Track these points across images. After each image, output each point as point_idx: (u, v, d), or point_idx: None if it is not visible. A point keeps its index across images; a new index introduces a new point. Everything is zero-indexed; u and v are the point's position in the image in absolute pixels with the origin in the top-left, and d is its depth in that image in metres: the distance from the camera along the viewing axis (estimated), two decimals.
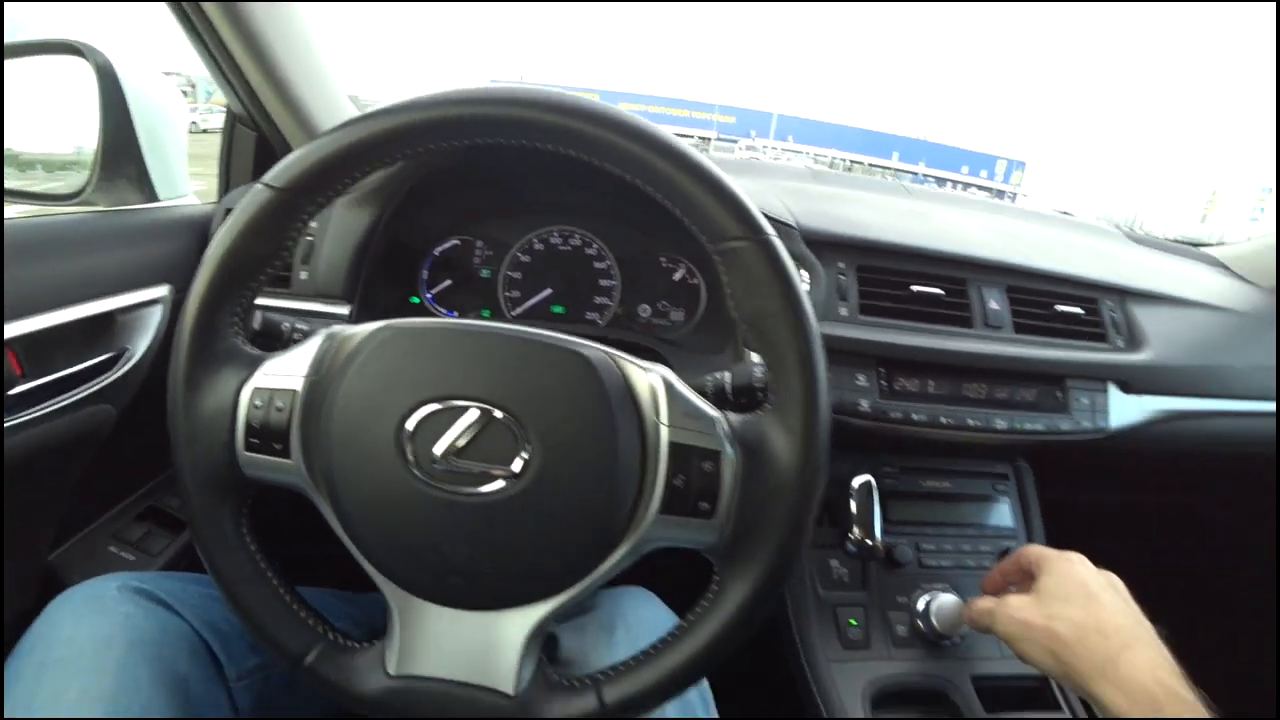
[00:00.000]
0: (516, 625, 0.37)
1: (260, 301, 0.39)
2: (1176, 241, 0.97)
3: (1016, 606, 0.48)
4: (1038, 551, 0.51)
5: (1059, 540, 0.61)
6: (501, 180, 0.68)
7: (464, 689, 0.37)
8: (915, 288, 0.62)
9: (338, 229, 0.63)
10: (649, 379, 0.36)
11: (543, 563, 0.35)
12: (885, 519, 0.63)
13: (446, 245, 0.70)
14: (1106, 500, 0.85)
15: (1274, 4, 0.67)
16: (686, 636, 0.36)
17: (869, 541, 0.56)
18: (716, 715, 0.47)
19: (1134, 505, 0.88)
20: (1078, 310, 0.66)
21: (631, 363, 0.36)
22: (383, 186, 0.63)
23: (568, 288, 0.69)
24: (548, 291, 0.69)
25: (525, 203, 0.69)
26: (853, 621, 0.59)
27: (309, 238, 0.64)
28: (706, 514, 0.35)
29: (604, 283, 0.69)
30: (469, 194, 0.69)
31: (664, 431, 0.35)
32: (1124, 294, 0.69)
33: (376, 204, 0.63)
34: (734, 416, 0.37)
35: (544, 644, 0.41)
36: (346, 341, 0.36)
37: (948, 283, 0.63)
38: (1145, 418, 0.66)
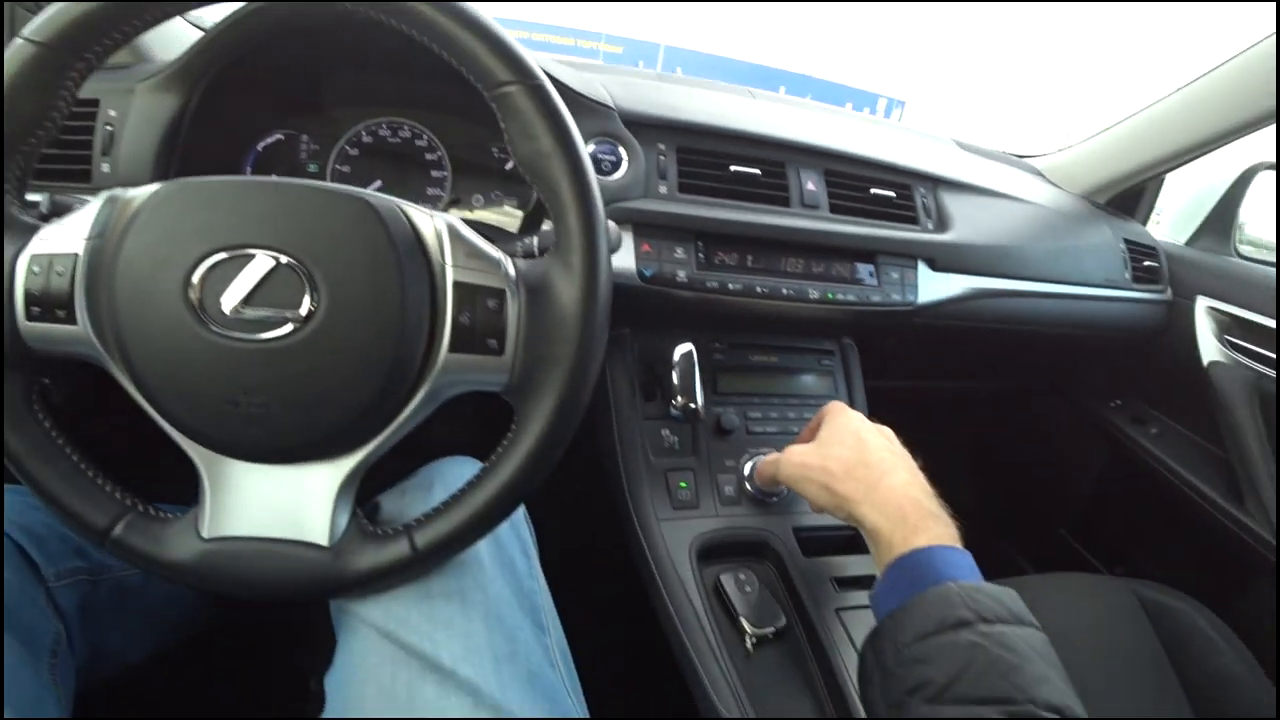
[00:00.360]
0: (326, 478, 0.38)
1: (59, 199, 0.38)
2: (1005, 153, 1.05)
3: (797, 453, 0.54)
4: (826, 408, 0.56)
5: (892, 422, 0.66)
6: (322, 69, 0.66)
7: (278, 544, 0.37)
8: (734, 168, 0.64)
9: (139, 116, 0.60)
10: (434, 223, 0.37)
11: (340, 408, 0.35)
12: (715, 391, 0.66)
13: (270, 140, 0.68)
14: (929, 387, 0.93)
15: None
16: (489, 477, 0.38)
17: (692, 405, 0.59)
18: (539, 568, 0.49)
19: (954, 392, 0.97)
20: (891, 194, 0.71)
21: (416, 209, 0.37)
22: (188, 68, 0.60)
23: (398, 180, 0.68)
24: (378, 184, 0.68)
25: (349, 93, 0.67)
26: (682, 484, 0.62)
27: (108, 127, 0.60)
28: (495, 351, 0.37)
29: (436, 174, 0.68)
30: (288, 83, 0.66)
31: (449, 272, 0.36)
32: (937, 182, 0.75)
33: (182, 88, 0.60)
34: (521, 261, 0.38)
35: (367, 511, 0.42)
36: (129, 203, 0.34)
37: (766, 164, 0.66)
38: (950, 294, 0.72)
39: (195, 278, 0.33)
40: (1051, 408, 1.16)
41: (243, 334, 0.33)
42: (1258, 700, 0.68)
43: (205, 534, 0.37)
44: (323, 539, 0.37)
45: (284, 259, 0.33)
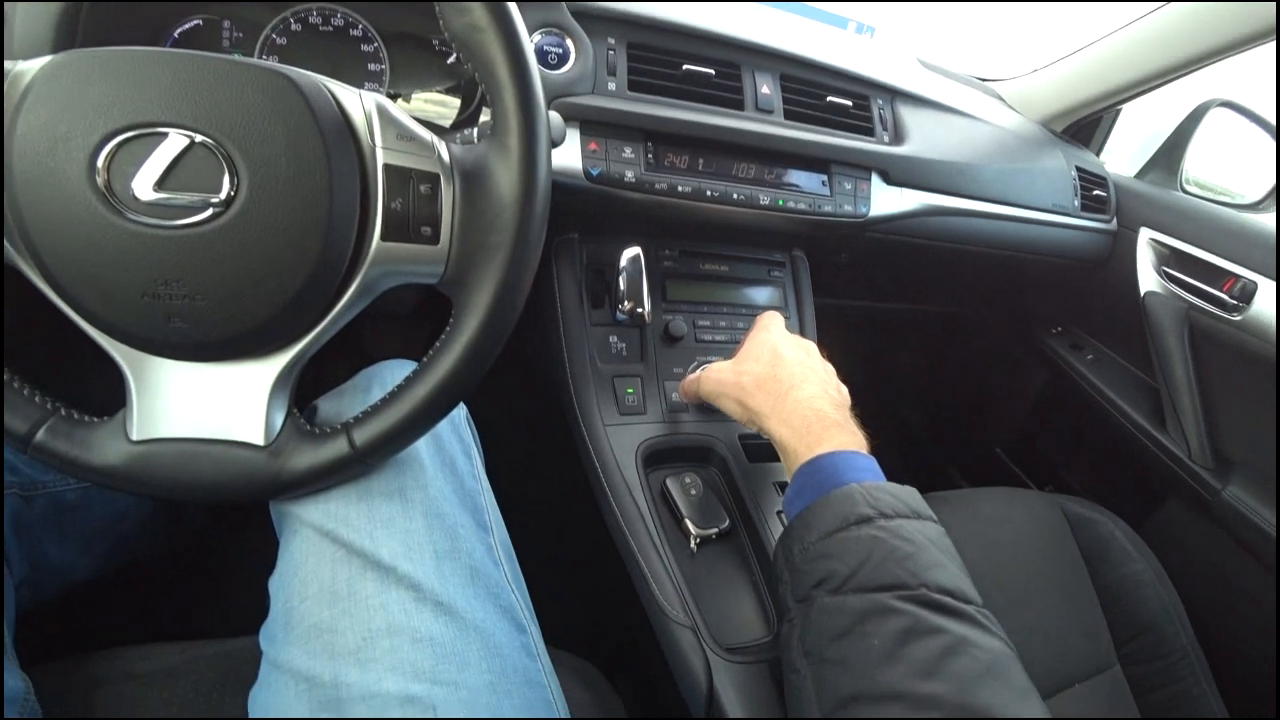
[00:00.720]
0: (259, 376, 0.36)
1: None
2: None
3: (716, 369, 0.56)
4: (757, 319, 0.57)
5: (835, 340, 0.67)
6: None
7: (212, 445, 0.36)
8: (686, 67, 0.62)
9: None
10: (363, 103, 0.34)
11: (268, 299, 0.33)
12: (664, 299, 0.66)
13: (187, 25, 0.62)
14: (878, 308, 0.94)
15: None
16: (427, 373, 0.37)
17: (639, 310, 0.59)
18: (482, 469, 0.49)
19: (903, 314, 0.99)
20: (847, 103, 0.69)
21: (343, 87, 0.34)
22: None
23: (331, 71, 0.63)
24: None
25: None
26: (629, 390, 0.63)
27: None
28: (430, 240, 0.35)
29: (372, 66, 0.64)
30: None
31: (379, 154, 0.34)
32: (894, 94, 0.74)
33: None
34: (456, 146, 0.36)
35: (305, 414, 0.41)
36: (20, 75, 0.31)
37: (720, 65, 0.64)
38: (902, 209, 0.72)
39: (100, 159, 0.30)
40: (995, 332, 1.20)
41: (158, 220, 0.30)
42: (1160, 602, 0.74)
43: (134, 436, 0.35)
44: (258, 439, 0.36)
45: (199, 138, 0.30)
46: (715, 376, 0.55)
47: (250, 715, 0.38)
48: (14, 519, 0.46)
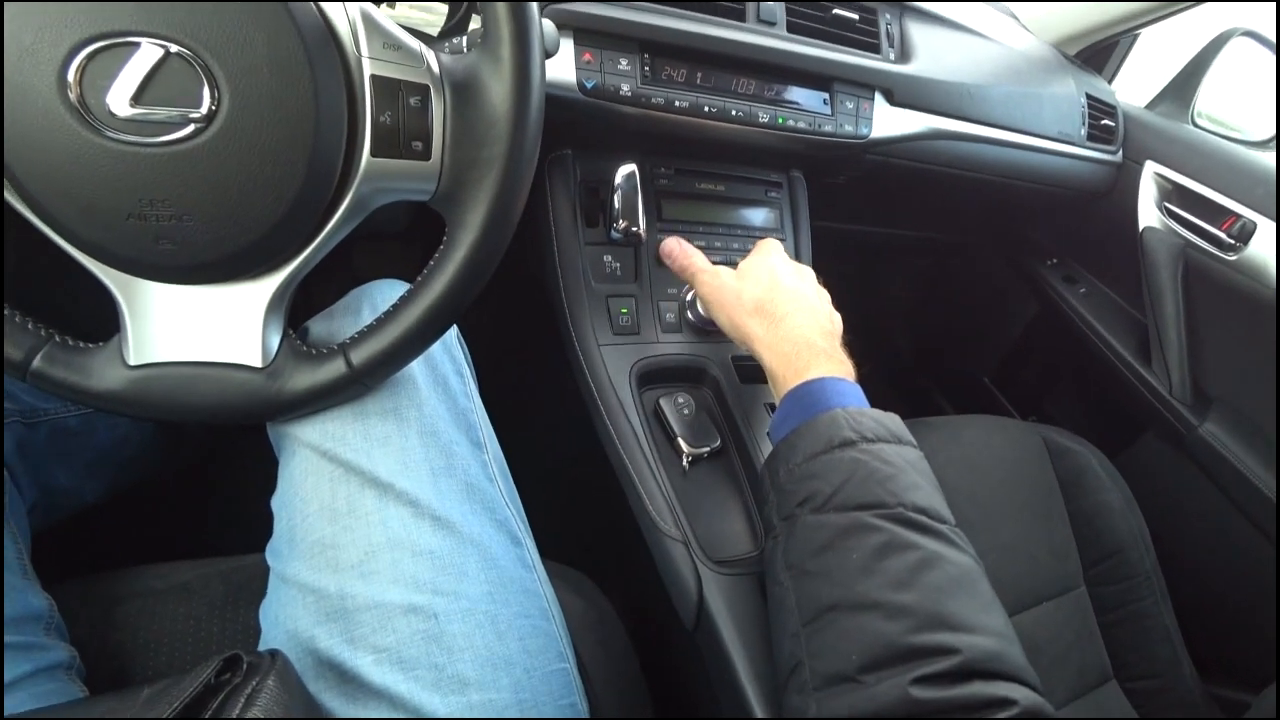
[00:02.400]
0: (254, 296, 0.35)
1: None
2: None
3: (715, 274, 0.56)
4: (758, 243, 0.57)
5: (829, 264, 0.67)
6: None
7: (210, 368, 0.36)
8: None
9: None
10: (346, 10, 0.32)
11: (258, 217, 0.32)
12: (660, 218, 0.65)
13: None
14: (874, 232, 0.93)
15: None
16: (423, 291, 0.36)
17: (634, 229, 0.58)
18: (475, 389, 0.49)
19: (899, 240, 0.99)
20: (854, 16, 0.66)
21: None
22: None
23: None
24: None
25: None
26: (623, 310, 0.63)
27: None
28: (421, 155, 0.34)
29: None
30: None
31: (366, 64, 0.33)
32: (903, 8, 0.71)
33: None
34: (445, 56, 0.34)
35: (298, 334, 0.40)
36: None
37: None
38: (904, 131, 0.70)
39: (70, 73, 0.28)
40: (989, 262, 1.20)
41: (138, 137, 0.29)
42: (1128, 527, 0.77)
43: (131, 361, 0.35)
44: (255, 360, 0.36)
45: (174, 48, 0.29)
46: (713, 283, 0.55)
47: (262, 626, 0.40)
48: (19, 446, 0.47)
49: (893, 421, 0.45)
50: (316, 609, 0.37)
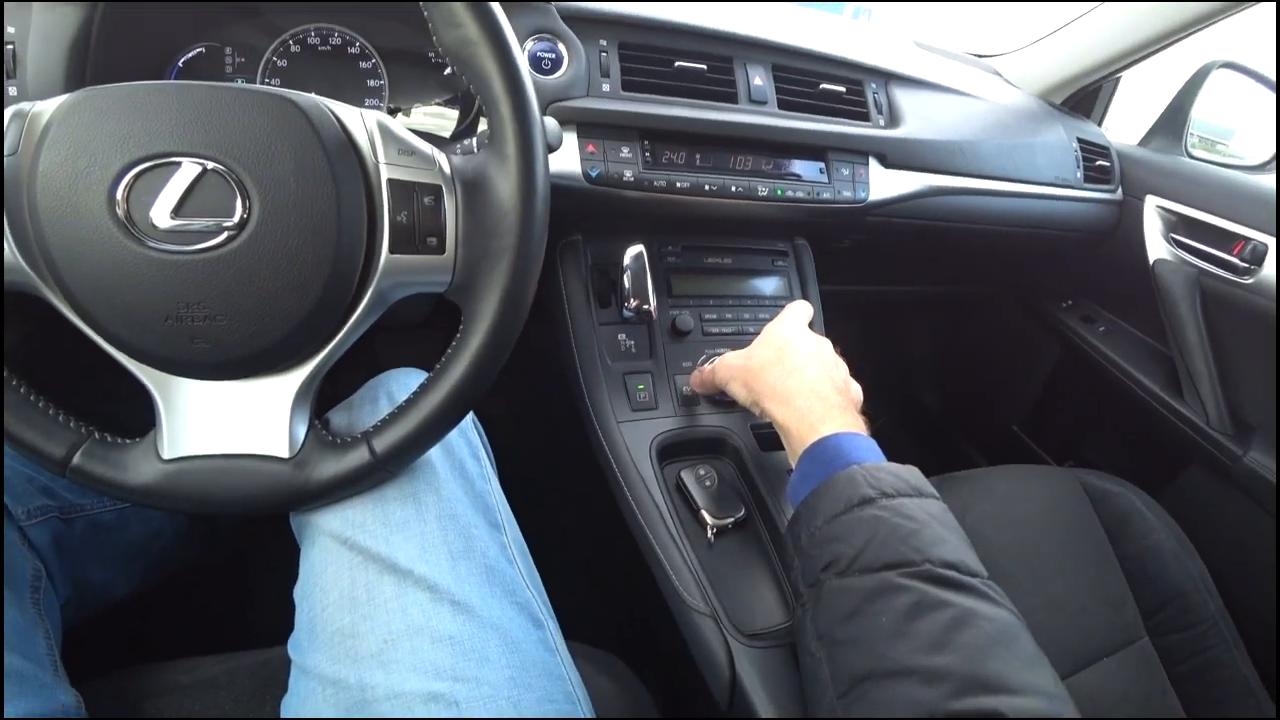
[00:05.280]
0: (281, 390, 0.37)
1: None
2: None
3: (729, 357, 0.58)
4: (787, 306, 0.58)
5: (845, 326, 0.67)
6: None
7: (240, 460, 0.37)
8: (679, 64, 0.63)
9: (39, 32, 0.55)
10: (364, 121, 0.36)
11: (286, 315, 0.34)
12: (670, 294, 0.67)
13: (191, 54, 0.64)
14: (886, 291, 0.94)
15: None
16: (440, 380, 0.38)
17: (645, 307, 0.60)
18: (493, 472, 0.50)
19: (912, 297, 0.99)
20: (841, 89, 0.69)
21: (344, 107, 0.36)
22: None
23: (333, 90, 0.64)
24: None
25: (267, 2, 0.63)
26: (640, 386, 0.63)
27: (9, 45, 0.57)
28: (436, 250, 0.36)
29: (371, 83, 0.65)
30: None
31: (383, 170, 0.35)
32: (889, 77, 0.74)
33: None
34: (456, 157, 0.37)
35: (321, 425, 0.42)
36: (38, 116, 0.33)
37: (712, 59, 0.64)
38: (902, 191, 0.72)
39: (119, 191, 0.31)
40: (1005, 311, 1.20)
41: (177, 246, 0.32)
42: (1185, 571, 0.73)
43: (165, 455, 0.37)
44: (283, 451, 0.37)
45: (210, 165, 0.32)
46: (728, 364, 0.57)
47: None
48: (55, 541, 0.48)
49: (911, 474, 0.44)
50: (337, 702, 0.36)
